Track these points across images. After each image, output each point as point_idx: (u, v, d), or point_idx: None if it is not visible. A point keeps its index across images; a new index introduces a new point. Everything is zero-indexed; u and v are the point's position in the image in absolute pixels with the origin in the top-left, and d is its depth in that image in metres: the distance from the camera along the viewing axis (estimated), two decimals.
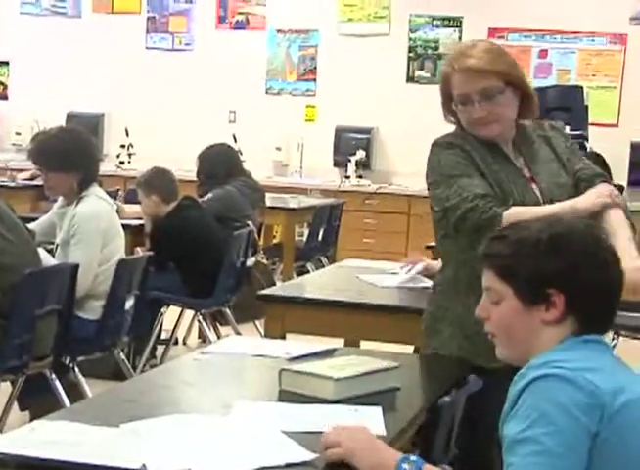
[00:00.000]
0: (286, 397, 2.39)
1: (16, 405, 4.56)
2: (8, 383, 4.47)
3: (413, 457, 1.92)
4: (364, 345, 4.18)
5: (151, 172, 5.99)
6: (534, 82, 9.33)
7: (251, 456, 1.92)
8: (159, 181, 5.85)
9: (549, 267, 1.95)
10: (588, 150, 7.76)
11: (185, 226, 5.74)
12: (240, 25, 10.27)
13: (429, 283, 4.19)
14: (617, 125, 9.36)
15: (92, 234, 4.59)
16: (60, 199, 4.89)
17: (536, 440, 1.77)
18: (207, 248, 5.76)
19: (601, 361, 1.90)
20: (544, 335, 1.96)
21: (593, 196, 2.83)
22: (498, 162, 2.90)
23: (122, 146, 10.06)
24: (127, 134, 9.97)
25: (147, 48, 10.49)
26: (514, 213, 2.70)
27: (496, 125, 2.86)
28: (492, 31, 9.60)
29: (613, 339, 5.78)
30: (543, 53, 9.52)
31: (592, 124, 8.51)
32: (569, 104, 8.42)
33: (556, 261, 1.95)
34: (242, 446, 1.99)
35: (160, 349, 6.03)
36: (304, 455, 1.94)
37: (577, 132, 8.16)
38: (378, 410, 2.28)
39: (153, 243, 5.75)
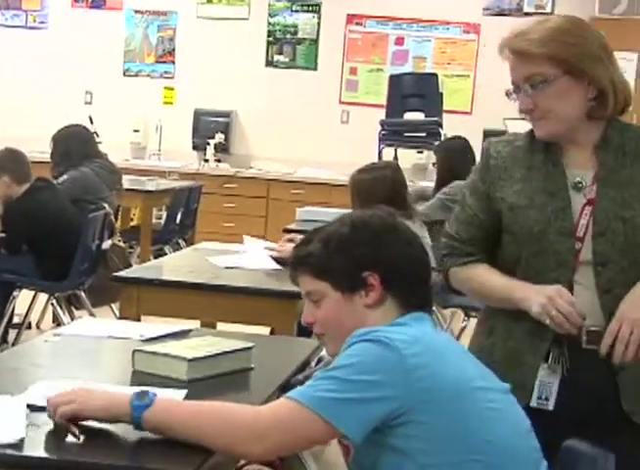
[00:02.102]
0: (139, 378, 2.38)
1: None
2: None
3: (142, 392, 1.94)
4: (221, 326, 4.20)
5: (2, 153, 5.84)
6: (390, 69, 9.48)
7: None
8: (10, 162, 5.71)
9: (358, 253, 2.05)
10: (442, 137, 7.95)
11: (38, 208, 5.62)
12: (97, 4, 10.08)
13: (277, 266, 4.23)
14: (470, 113, 9.59)
15: None
16: None
17: (334, 376, 1.88)
18: (62, 230, 5.66)
19: (420, 332, 1.98)
20: (370, 318, 2.04)
21: (542, 302, 2.21)
22: (545, 170, 2.34)
23: None
24: None
25: None
26: (462, 278, 2.40)
27: (545, 123, 2.32)
28: (350, 17, 9.70)
29: (464, 320, 5.95)
30: (400, 40, 9.67)
31: (446, 112, 8.71)
32: (423, 91, 8.60)
33: (362, 247, 2.06)
34: None
35: (13, 333, 5.91)
36: (14, 435, 1.86)
37: (432, 119, 8.35)
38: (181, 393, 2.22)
39: (4, 225, 5.61)
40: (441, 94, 8.77)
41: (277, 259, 4.13)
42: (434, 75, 8.94)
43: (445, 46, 9.64)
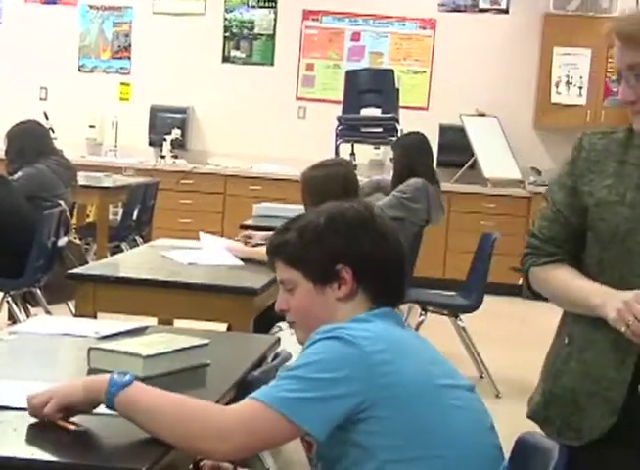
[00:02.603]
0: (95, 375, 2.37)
1: None
2: None
3: (124, 373, 1.95)
4: (178, 323, 4.19)
5: None
6: (347, 65, 9.50)
7: None
8: None
9: (332, 246, 2.06)
10: (399, 132, 7.98)
11: None
12: (50, 0, 9.99)
13: (235, 261, 4.24)
14: (426, 108, 9.63)
15: None
16: None
17: (296, 375, 1.88)
18: (16, 227, 5.62)
19: (383, 329, 1.98)
20: (340, 312, 2.05)
21: (613, 311, 2.00)
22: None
23: None
24: None
25: None
26: (542, 279, 2.20)
27: None
28: (307, 13, 9.71)
29: (421, 315, 5.99)
30: (356, 36, 9.69)
31: (403, 107, 8.74)
32: (380, 87, 8.63)
33: (336, 239, 2.06)
34: None
35: None
36: None
37: (389, 115, 8.38)
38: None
39: None
40: (398, 90, 8.81)
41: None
42: (391, 71, 8.96)
43: (401, 42, 9.67)
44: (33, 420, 1.98)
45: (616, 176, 2.12)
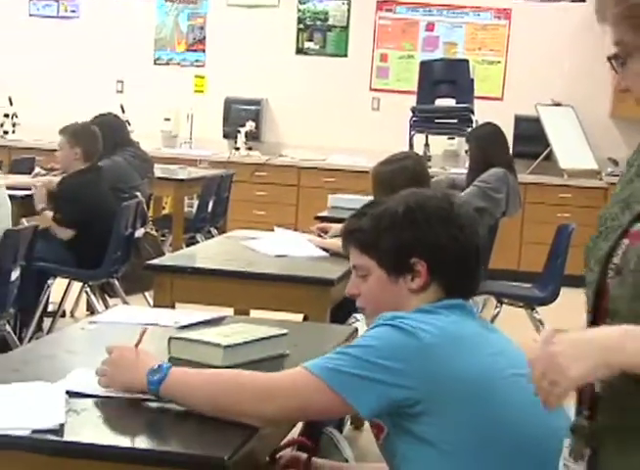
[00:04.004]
0: (175, 364, 2.38)
1: None
2: None
3: (158, 365, 2.03)
4: (253, 314, 4.21)
5: (81, 126, 6.01)
6: (421, 55, 9.45)
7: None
8: (87, 137, 5.83)
9: (407, 237, 2.03)
10: (474, 123, 7.92)
11: (88, 188, 5.72)
12: None
13: (317, 252, 4.25)
14: (501, 99, 9.54)
15: None
16: None
17: (351, 353, 1.89)
18: (98, 218, 5.71)
19: (447, 322, 1.96)
20: (411, 302, 2.04)
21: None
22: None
23: (6, 115, 9.83)
24: (11, 103, 9.74)
25: (30, 15, 10.25)
26: None
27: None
28: (381, 4, 9.67)
29: (496, 307, 5.94)
30: (430, 26, 9.63)
31: (477, 98, 8.67)
32: (454, 77, 8.57)
33: (413, 231, 2.03)
34: (14, 409, 1.96)
35: (48, 321, 5.95)
36: (54, 421, 1.89)
37: (463, 105, 8.32)
38: None
39: (56, 200, 5.72)
40: (472, 80, 8.73)
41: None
42: (466, 61, 8.90)
43: (476, 32, 9.58)
44: (115, 408, 2.01)
45: None
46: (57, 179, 6.00)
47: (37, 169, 6.97)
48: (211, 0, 9.98)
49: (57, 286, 5.86)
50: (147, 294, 6.17)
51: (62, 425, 1.86)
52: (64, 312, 6.27)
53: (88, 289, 5.90)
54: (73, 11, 10.21)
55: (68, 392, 2.04)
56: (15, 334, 4.96)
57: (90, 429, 1.93)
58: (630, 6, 1.56)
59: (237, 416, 1.94)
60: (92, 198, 5.72)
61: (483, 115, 7.94)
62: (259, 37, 9.84)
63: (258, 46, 9.83)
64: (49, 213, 5.75)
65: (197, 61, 10.08)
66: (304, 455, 2.24)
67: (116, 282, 5.99)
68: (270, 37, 9.83)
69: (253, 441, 1.94)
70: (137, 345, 2.13)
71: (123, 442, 1.91)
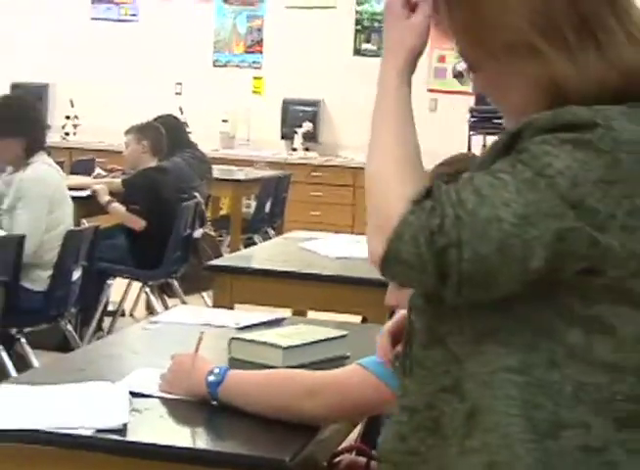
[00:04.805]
0: (235, 365, 2.40)
1: None
2: None
3: (217, 369, 2.04)
4: (311, 315, 4.21)
5: (148, 123, 6.11)
6: None
7: (69, 417, 1.91)
8: (154, 132, 5.91)
9: None
10: None
11: (158, 186, 5.79)
12: None
13: None
14: None
15: (38, 198, 4.59)
16: (8, 168, 4.87)
17: None
18: (159, 218, 5.76)
19: None
20: None
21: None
22: None
23: (67, 117, 9.96)
24: (72, 105, 9.87)
25: (92, 19, 10.37)
26: None
27: None
28: None
29: None
30: None
31: None
32: None
33: None
34: (78, 408, 1.97)
35: (108, 320, 6.02)
36: (117, 420, 1.90)
37: None
38: None
39: (129, 189, 5.78)
40: None
41: None
42: None
43: None
44: (177, 407, 2.03)
45: None
46: (117, 181, 6.07)
47: (98, 170, 7.06)
48: (269, 2, 10.02)
49: (116, 286, 5.93)
50: (205, 294, 6.22)
51: (125, 425, 1.88)
52: (123, 312, 6.33)
53: (148, 289, 5.95)
54: (133, 14, 10.31)
55: (130, 392, 2.06)
56: (75, 333, 5.02)
57: (152, 429, 1.95)
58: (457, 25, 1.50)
59: (292, 415, 1.95)
60: (156, 197, 5.77)
61: None
62: (317, 38, 9.85)
63: (316, 47, 9.85)
64: (118, 205, 5.79)
65: (255, 62, 10.12)
66: (363, 460, 2.24)
67: (175, 282, 6.04)
68: (328, 38, 9.84)
69: (313, 444, 1.94)
70: (196, 350, 2.14)
71: (185, 442, 1.92)
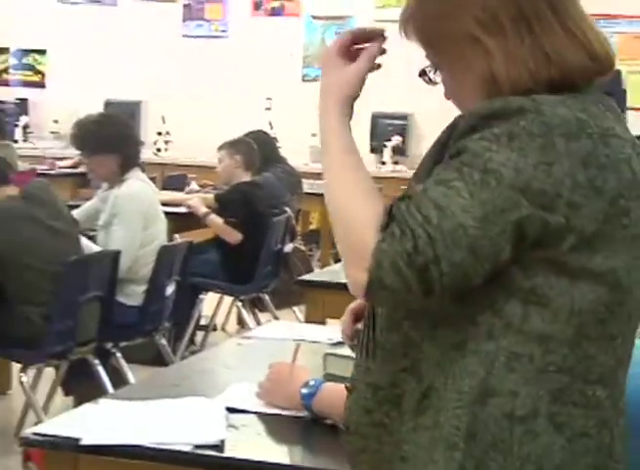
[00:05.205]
0: (330, 380, 2.39)
1: (60, 390, 4.62)
2: (52, 368, 4.53)
3: (312, 381, 2.07)
4: None
5: (241, 138, 6.18)
6: None
7: (171, 434, 1.92)
8: (247, 147, 5.97)
9: None
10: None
11: (254, 201, 5.83)
12: (275, 12, 10.27)
13: None
14: None
15: (133, 214, 4.65)
16: (104, 184, 4.96)
17: None
18: (251, 232, 5.79)
19: None
20: None
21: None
22: None
23: (159, 133, 10.11)
24: (164, 122, 10.01)
25: (183, 36, 10.52)
26: None
27: None
28: None
29: None
30: None
31: (630, 109, 8.45)
32: (606, 88, 8.37)
33: None
34: (176, 424, 1.98)
35: (200, 334, 6.07)
36: (215, 436, 1.90)
37: None
38: None
39: (223, 203, 5.83)
40: (625, 91, 8.51)
41: None
42: (618, 71, 8.68)
43: (628, 41, 9.35)
44: (274, 423, 2.03)
45: None
46: (210, 196, 6.12)
47: (192, 185, 7.13)
48: (359, 16, 10.04)
49: (208, 300, 5.97)
50: (296, 308, 6.23)
51: (222, 441, 1.88)
52: (215, 326, 6.38)
53: (239, 303, 5.99)
54: (224, 30, 10.43)
55: (227, 407, 2.07)
56: (169, 347, 5.07)
57: (249, 445, 1.95)
58: (409, 25, 1.66)
59: None
60: (250, 211, 5.81)
61: (636, 126, 7.72)
62: (406, 52, 9.81)
63: (405, 61, 9.81)
64: (216, 217, 5.83)
65: None
66: None
67: (267, 297, 6.06)
68: (417, 52, 9.79)
69: None
70: (293, 361, 2.15)
71: (281, 458, 1.92)
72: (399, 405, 1.44)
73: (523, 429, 1.37)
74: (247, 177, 5.95)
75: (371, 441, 1.48)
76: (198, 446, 1.86)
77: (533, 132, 1.36)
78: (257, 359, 2.71)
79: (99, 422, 1.96)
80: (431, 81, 1.68)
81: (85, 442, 1.85)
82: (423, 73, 1.68)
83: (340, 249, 1.48)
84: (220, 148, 6.08)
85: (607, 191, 1.38)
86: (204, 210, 5.86)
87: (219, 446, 1.87)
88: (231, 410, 2.07)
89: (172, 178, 8.32)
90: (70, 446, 1.87)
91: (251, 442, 1.97)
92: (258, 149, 6.48)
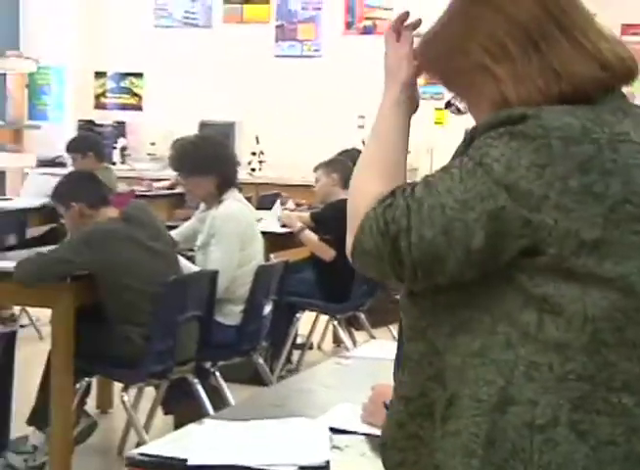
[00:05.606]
0: None
1: (160, 409, 4.67)
2: (152, 388, 4.58)
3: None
4: None
5: (335, 157, 6.27)
6: None
7: (274, 454, 1.91)
8: (341, 165, 6.00)
9: None
10: None
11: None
12: (367, 30, 10.29)
13: None
14: None
15: (231, 235, 4.68)
16: (202, 205, 5.01)
17: None
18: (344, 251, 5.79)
19: None
20: None
21: None
22: None
23: (253, 153, 10.19)
24: (258, 141, 10.09)
25: (276, 56, 10.61)
26: None
27: None
28: (625, 27, 9.38)
29: None
30: None
31: None
32: None
33: None
34: (280, 445, 1.98)
35: (296, 353, 6.08)
36: (320, 457, 1.90)
37: None
38: None
39: (319, 221, 5.84)
40: None
41: None
42: None
43: None
44: (378, 444, 2.01)
45: None
46: (305, 215, 6.14)
47: (290, 203, 7.16)
48: None
49: (304, 319, 5.98)
50: (392, 327, 6.20)
51: (327, 462, 1.87)
52: (311, 345, 6.39)
53: (335, 322, 5.98)
54: (316, 50, 10.48)
55: (331, 428, 2.06)
56: (266, 366, 5.08)
57: (354, 465, 1.94)
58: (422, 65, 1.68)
59: None
60: (344, 229, 5.80)
61: None
62: None
63: None
64: (310, 233, 5.83)
65: (436, 93, 10.10)
66: None
67: (363, 315, 6.05)
68: None
69: None
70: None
71: None
72: (431, 415, 1.46)
73: (543, 438, 1.37)
74: (344, 195, 5.95)
75: (408, 453, 1.50)
76: (303, 468, 1.86)
77: (530, 134, 1.41)
78: (357, 379, 2.70)
79: (204, 443, 1.97)
80: (459, 112, 1.71)
81: (192, 462, 1.86)
82: (448, 105, 1.73)
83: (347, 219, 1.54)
84: (316, 168, 6.11)
85: (608, 196, 1.38)
86: (298, 225, 5.88)
87: (324, 467, 1.86)
88: (334, 431, 2.06)
89: (266, 197, 8.37)
90: (178, 466, 1.89)
91: (355, 462, 1.95)
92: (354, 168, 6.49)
